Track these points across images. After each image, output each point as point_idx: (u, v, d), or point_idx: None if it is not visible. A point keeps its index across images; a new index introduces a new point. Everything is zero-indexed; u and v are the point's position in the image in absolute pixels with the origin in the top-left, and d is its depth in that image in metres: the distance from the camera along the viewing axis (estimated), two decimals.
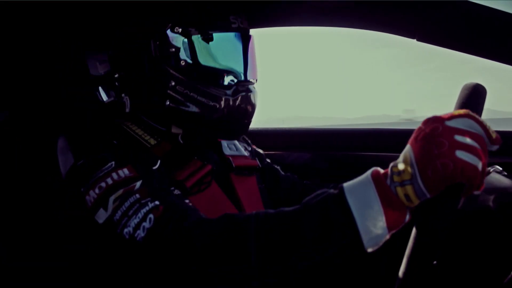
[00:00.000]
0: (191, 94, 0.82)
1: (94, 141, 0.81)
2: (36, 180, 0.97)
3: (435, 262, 0.52)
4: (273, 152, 1.46)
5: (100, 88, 0.93)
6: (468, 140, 0.48)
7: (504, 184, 0.66)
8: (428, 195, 0.49)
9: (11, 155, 0.97)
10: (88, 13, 0.97)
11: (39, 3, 0.90)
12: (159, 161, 0.80)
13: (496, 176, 0.73)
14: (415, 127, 0.51)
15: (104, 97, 0.92)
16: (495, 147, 0.50)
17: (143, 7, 0.85)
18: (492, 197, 0.57)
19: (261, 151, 1.17)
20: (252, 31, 0.93)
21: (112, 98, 0.91)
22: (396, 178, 0.50)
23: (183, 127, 0.89)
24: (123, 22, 0.88)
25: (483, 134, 0.49)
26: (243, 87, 0.86)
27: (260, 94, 0.92)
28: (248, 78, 0.89)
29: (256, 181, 1.00)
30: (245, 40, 0.89)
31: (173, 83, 0.81)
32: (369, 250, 0.51)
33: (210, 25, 0.83)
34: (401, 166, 0.50)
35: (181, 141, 0.90)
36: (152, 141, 0.84)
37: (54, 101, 1.08)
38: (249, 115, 0.88)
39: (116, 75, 0.89)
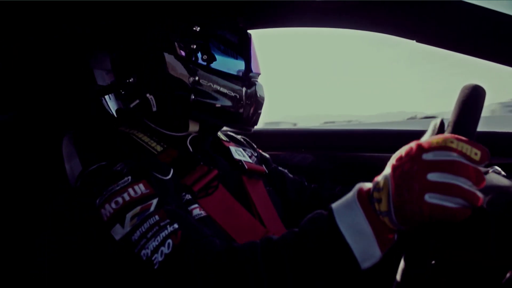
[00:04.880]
0: (214, 86, 0.87)
1: (102, 147, 0.82)
2: (41, 180, 0.97)
3: (433, 262, 0.52)
4: (278, 153, 1.47)
5: (107, 96, 0.94)
6: (443, 177, 0.47)
7: (503, 183, 0.66)
8: (403, 228, 0.52)
9: (16, 155, 0.97)
10: (97, 14, 0.98)
11: (45, 3, 0.90)
12: (171, 171, 0.80)
13: (495, 177, 0.73)
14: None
15: (113, 106, 0.93)
16: (482, 166, 0.49)
17: (161, 10, 0.89)
18: (488, 198, 0.57)
19: (267, 155, 1.18)
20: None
21: (121, 106, 0.92)
22: (377, 206, 0.53)
23: (204, 120, 0.90)
24: (142, 24, 0.89)
25: (465, 161, 0.48)
26: (256, 78, 0.95)
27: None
28: (257, 71, 0.96)
29: (264, 184, 1.02)
30: (248, 37, 0.98)
31: (196, 78, 0.86)
32: (365, 268, 0.54)
33: (221, 24, 0.93)
34: (380, 195, 0.52)
35: (190, 147, 0.91)
36: (159, 148, 0.85)
37: (60, 104, 1.08)
38: (260, 105, 0.96)
39: (131, 79, 0.88)
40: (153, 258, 0.63)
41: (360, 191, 0.55)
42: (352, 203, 0.55)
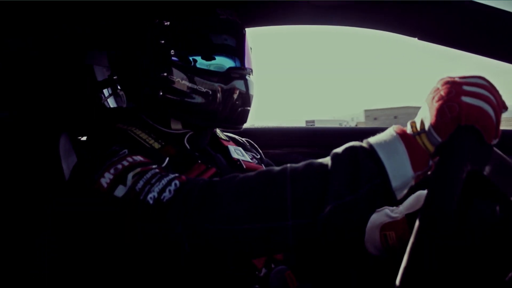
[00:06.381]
0: (183, 82, 0.83)
1: (100, 142, 0.81)
2: (37, 179, 0.96)
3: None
4: (280, 151, 1.46)
5: (104, 91, 0.94)
6: (476, 89, 0.51)
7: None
8: (439, 139, 0.52)
9: (13, 154, 0.97)
10: (82, 12, 0.97)
11: (45, 3, 0.90)
12: (167, 159, 0.79)
13: None
14: None
15: (111, 103, 0.93)
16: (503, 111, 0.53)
17: (131, 3, 0.87)
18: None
19: (272, 163, 1.15)
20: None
21: (111, 97, 0.92)
22: (414, 129, 0.54)
23: (180, 118, 0.89)
24: (115, 19, 0.89)
25: (495, 89, 0.52)
26: (236, 74, 0.87)
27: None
28: (240, 65, 0.90)
29: None
30: (234, 30, 0.91)
31: (164, 74, 0.83)
32: (397, 192, 0.53)
33: (197, 16, 0.87)
34: (417, 120, 0.54)
35: (187, 145, 0.90)
36: (156, 145, 0.84)
37: (58, 102, 1.08)
38: (244, 101, 0.89)
39: (115, 77, 0.91)
40: (161, 197, 0.61)
41: (396, 126, 0.56)
42: (387, 132, 0.56)
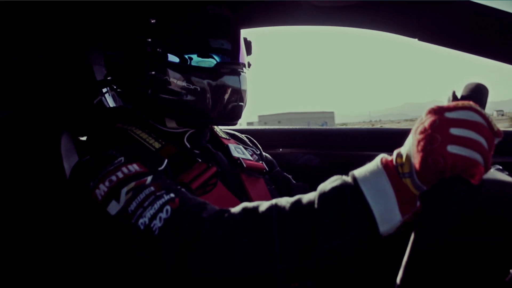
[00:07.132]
0: (171, 80, 0.83)
1: (100, 142, 0.82)
2: (39, 179, 0.97)
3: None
4: (285, 152, 1.47)
5: (103, 90, 0.94)
6: (465, 132, 0.48)
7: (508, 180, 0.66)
8: (424, 188, 0.51)
9: (14, 154, 0.97)
10: (74, 12, 0.98)
11: (44, 3, 0.90)
12: (165, 161, 0.80)
13: (498, 174, 0.73)
14: None
15: (108, 100, 0.93)
16: (496, 140, 0.51)
17: (119, 2, 0.88)
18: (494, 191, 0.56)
19: (272, 158, 1.16)
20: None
21: (111, 97, 0.93)
22: (399, 169, 0.52)
23: (172, 117, 0.89)
24: (104, 19, 0.89)
25: (485, 124, 0.50)
26: (225, 69, 0.86)
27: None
28: (230, 60, 0.89)
29: (265, 183, 1.00)
30: (224, 24, 0.90)
31: (153, 72, 0.83)
32: (384, 234, 0.53)
33: (185, 14, 0.86)
34: (403, 158, 0.52)
35: (187, 144, 0.91)
36: (157, 145, 0.84)
37: (58, 102, 1.08)
38: (236, 97, 0.88)
39: (109, 78, 0.92)
40: (151, 225, 0.62)
41: (383, 158, 0.55)
42: (374, 167, 0.54)
